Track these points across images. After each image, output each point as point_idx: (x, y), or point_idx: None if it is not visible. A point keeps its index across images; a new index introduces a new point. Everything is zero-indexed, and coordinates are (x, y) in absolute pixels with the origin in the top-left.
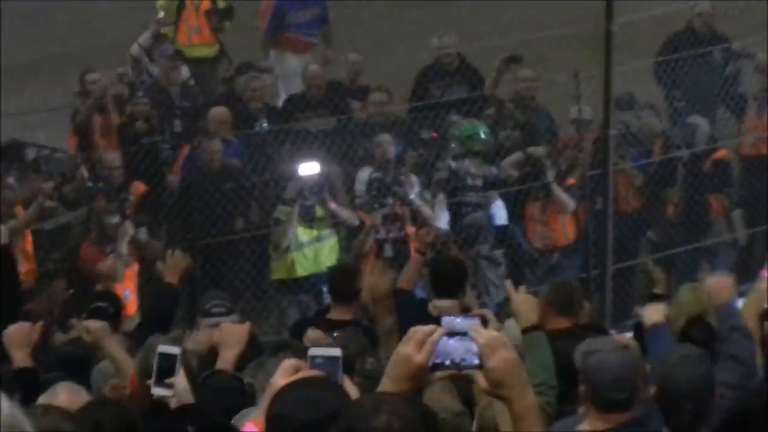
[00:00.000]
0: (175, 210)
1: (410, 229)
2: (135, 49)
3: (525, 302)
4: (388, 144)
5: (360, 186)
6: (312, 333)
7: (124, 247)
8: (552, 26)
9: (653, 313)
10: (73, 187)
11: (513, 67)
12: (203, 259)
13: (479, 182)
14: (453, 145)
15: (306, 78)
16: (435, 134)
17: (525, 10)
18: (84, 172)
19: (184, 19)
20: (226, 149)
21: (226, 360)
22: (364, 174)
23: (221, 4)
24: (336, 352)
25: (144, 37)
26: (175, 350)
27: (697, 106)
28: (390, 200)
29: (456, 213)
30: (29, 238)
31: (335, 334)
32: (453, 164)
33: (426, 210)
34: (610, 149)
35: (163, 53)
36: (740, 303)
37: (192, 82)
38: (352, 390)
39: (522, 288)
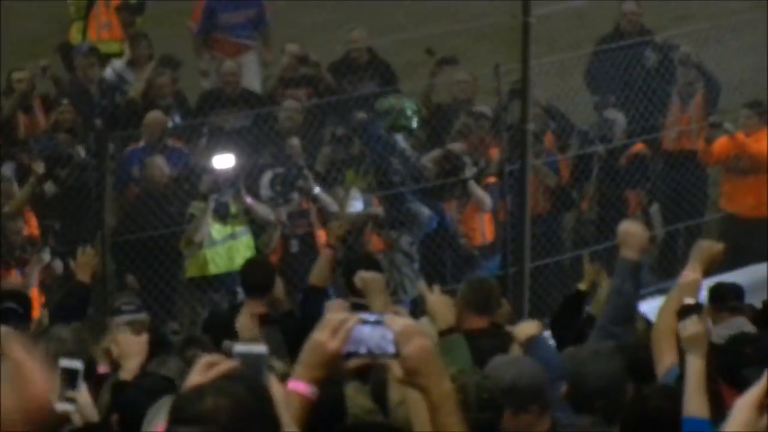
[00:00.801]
0: (92, 208)
1: (316, 224)
2: (108, 73)
3: (441, 303)
4: (295, 149)
5: (264, 183)
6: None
7: (35, 276)
8: (469, 19)
9: (526, 329)
10: None
11: (447, 69)
12: (115, 256)
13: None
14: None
15: (221, 75)
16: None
17: (441, 1)
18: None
19: (95, 15)
20: (171, 157)
21: (128, 370)
22: (269, 173)
23: (132, 0)
24: (261, 349)
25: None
26: (76, 365)
27: (614, 100)
28: (296, 196)
29: (392, 201)
30: None
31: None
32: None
33: (332, 204)
34: (528, 145)
35: (79, 51)
36: (658, 301)
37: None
38: (278, 390)
39: (436, 288)
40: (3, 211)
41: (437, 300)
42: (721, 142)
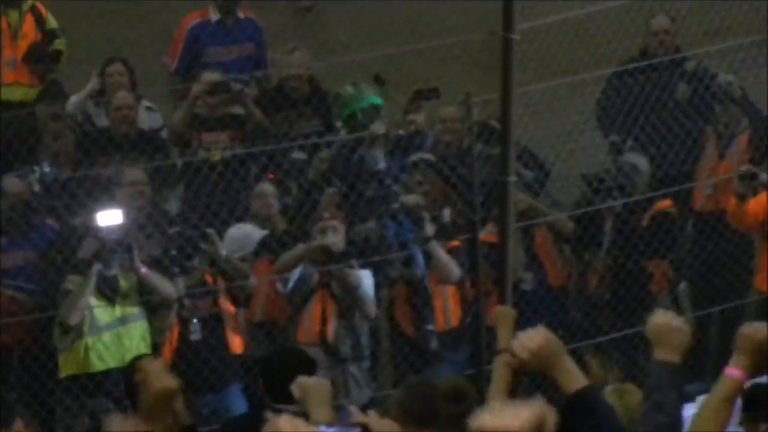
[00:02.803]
0: None
1: (225, 303)
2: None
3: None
4: (271, 196)
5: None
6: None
7: None
8: (432, 36)
9: None
10: None
11: (425, 104)
12: None
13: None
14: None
15: (112, 108)
16: (272, 175)
17: (398, 14)
18: None
19: None
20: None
21: None
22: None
23: (57, 44)
24: None
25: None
26: None
27: (638, 141)
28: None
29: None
30: None
31: None
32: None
33: (246, 271)
34: (509, 201)
35: None
36: (692, 408)
37: None
38: None
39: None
40: None
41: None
42: (757, 201)
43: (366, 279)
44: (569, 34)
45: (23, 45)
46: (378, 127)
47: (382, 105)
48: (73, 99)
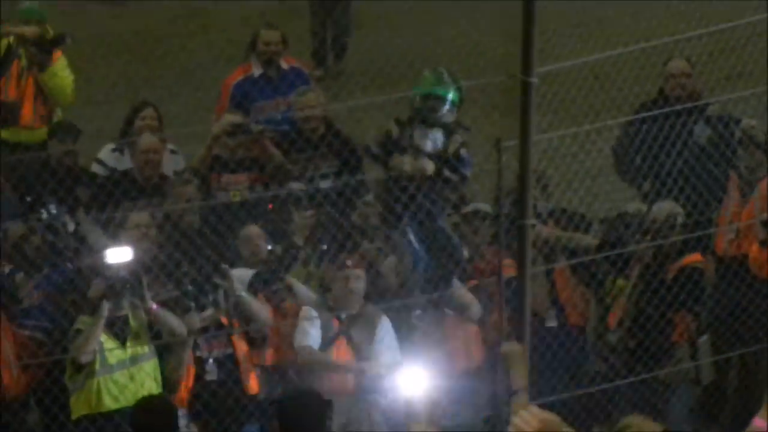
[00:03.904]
0: None
1: (240, 343)
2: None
3: None
4: (258, 238)
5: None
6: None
7: None
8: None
9: None
10: None
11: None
12: None
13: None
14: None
15: (136, 153)
16: (271, 205)
17: (417, 55)
18: None
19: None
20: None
21: None
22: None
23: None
24: None
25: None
26: None
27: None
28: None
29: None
30: None
31: None
32: None
33: (261, 312)
34: (527, 244)
35: None
36: None
37: None
38: None
39: None
40: None
41: None
42: None
43: (387, 330)
44: (588, 77)
45: (29, 82)
46: (447, 116)
47: (451, 99)
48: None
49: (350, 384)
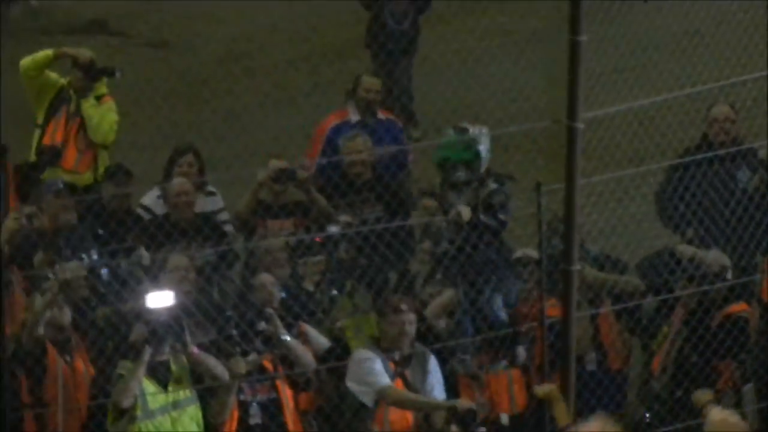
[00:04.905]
0: None
1: (284, 387)
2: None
3: None
4: (271, 285)
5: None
6: None
7: None
8: (496, 123)
9: None
10: None
11: None
12: None
13: None
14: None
15: (169, 196)
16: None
17: (463, 100)
18: None
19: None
20: None
21: None
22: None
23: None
24: None
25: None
26: None
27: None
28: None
29: None
30: None
31: None
32: None
33: (304, 355)
34: (573, 290)
35: (49, 188)
36: None
37: None
38: None
39: None
40: None
41: None
42: None
43: (436, 368)
44: (633, 123)
45: (75, 125)
46: (461, 176)
47: (473, 161)
48: (153, 193)
49: (411, 422)
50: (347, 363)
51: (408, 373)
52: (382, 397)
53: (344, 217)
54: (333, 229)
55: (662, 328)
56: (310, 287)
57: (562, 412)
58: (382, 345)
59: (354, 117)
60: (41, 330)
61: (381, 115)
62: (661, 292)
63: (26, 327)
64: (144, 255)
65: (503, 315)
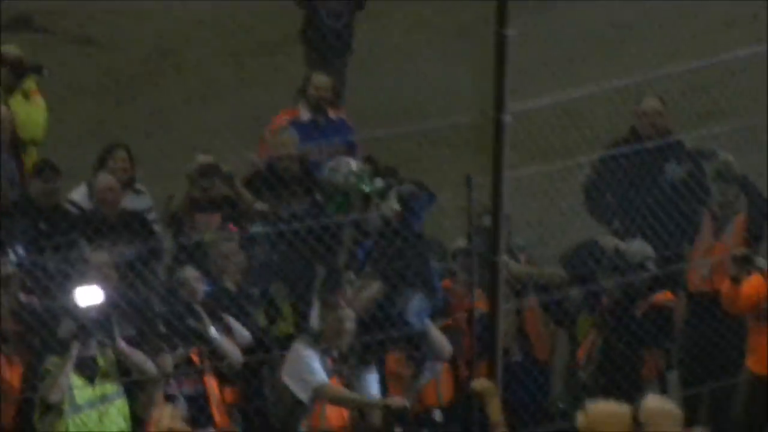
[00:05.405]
0: None
1: (211, 381)
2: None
3: None
4: (195, 281)
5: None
6: None
7: None
8: (422, 117)
9: None
10: None
11: None
12: None
13: None
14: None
15: (95, 191)
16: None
17: (389, 94)
18: None
19: None
20: None
21: None
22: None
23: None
24: None
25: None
26: None
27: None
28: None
29: None
30: None
31: None
32: None
33: (233, 351)
34: (499, 281)
35: None
36: None
37: None
38: None
39: None
40: None
41: None
42: (751, 283)
43: (373, 368)
44: (562, 116)
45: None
46: (387, 208)
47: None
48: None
49: (347, 420)
50: (277, 356)
51: (345, 370)
52: (319, 395)
53: (259, 205)
54: (257, 227)
55: (587, 318)
56: (232, 286)
57: (496, 408)
58: (320, 341)
59: (305, 116)
60: None
61: (332, 114)
62: (586, 283)
63: None
64: (86, 251)
65: (415, 320)
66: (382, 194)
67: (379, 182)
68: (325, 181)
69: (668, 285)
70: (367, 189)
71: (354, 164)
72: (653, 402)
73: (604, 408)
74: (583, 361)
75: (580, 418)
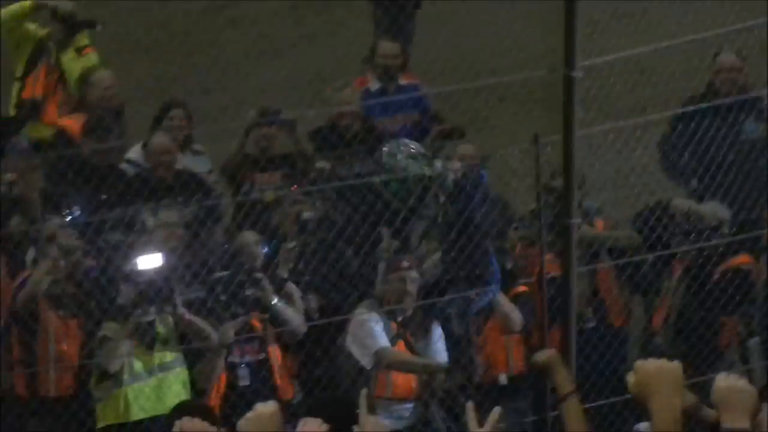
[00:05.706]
0: None
1: (274, 349)
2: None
3: None
4: (249, 247)
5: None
6: None
7: None
8: (489, 72)
9: None
10: None
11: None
12: None
13: None
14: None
15: (150, 152)
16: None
17: (456, 51)
18: None
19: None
20: None
21: None
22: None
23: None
24: None
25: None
26: None
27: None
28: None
29: None
30: None
31: None
32: None
33: (295, 319)
34: (572, 244)
35: (14, 148)
36: None
37: None
38: None
39: None
40: None
41: None
42: None
43: (440, 333)
44: (634, 72)
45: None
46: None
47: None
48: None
49: (414, 386)
50: (342, 322)
51: (411, 335)
52: (380, 360)
53: (321, 164)
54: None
55: (663, 283)
56: (285, 274)
57: (563, 380)
58: (384, 305)
59: (374, 85)
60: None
61: (404, 80)
62: (657, 248)
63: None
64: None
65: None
66: (441, 178)
67: (437, 165)
68: (382, 165)
69: (747, 248)
70: (427, 172)
71: (412, 146)
72: (723, 381)
73: (652, 363)
74: (660, 328)
75: (630, 379)
